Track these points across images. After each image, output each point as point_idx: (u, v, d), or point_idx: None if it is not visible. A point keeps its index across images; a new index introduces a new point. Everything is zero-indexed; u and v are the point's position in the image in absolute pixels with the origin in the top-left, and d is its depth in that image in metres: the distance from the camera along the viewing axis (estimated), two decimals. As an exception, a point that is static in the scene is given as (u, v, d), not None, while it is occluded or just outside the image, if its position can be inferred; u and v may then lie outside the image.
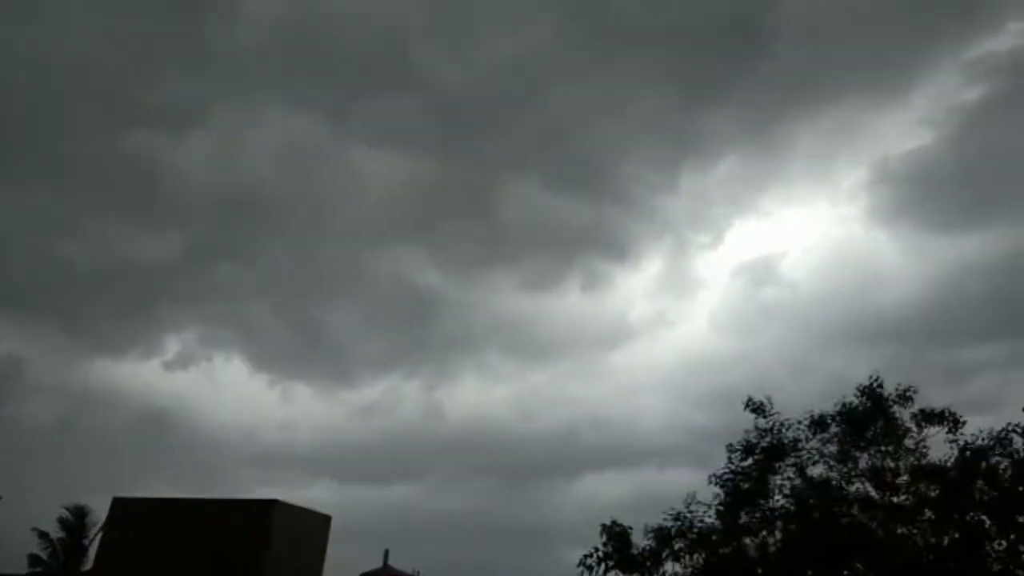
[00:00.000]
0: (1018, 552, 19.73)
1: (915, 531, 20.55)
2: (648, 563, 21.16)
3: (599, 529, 20.88)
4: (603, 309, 72.84)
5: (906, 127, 70.83)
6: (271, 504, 40.44)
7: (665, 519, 21.45)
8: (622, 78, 72.68)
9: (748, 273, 65.53)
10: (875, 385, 21.33)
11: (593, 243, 74.84)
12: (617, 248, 76.88)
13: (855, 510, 21.25)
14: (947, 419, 20.61)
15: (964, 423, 20.50)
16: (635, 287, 75.62)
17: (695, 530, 21.46)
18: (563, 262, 76.70)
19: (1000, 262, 53.56)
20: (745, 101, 70.93)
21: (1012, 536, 19.65)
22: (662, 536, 21.25)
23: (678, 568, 21.00)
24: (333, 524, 44.19)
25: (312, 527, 42.70)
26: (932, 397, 21.32)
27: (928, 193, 58.17)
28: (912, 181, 57.99)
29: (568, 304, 72.69)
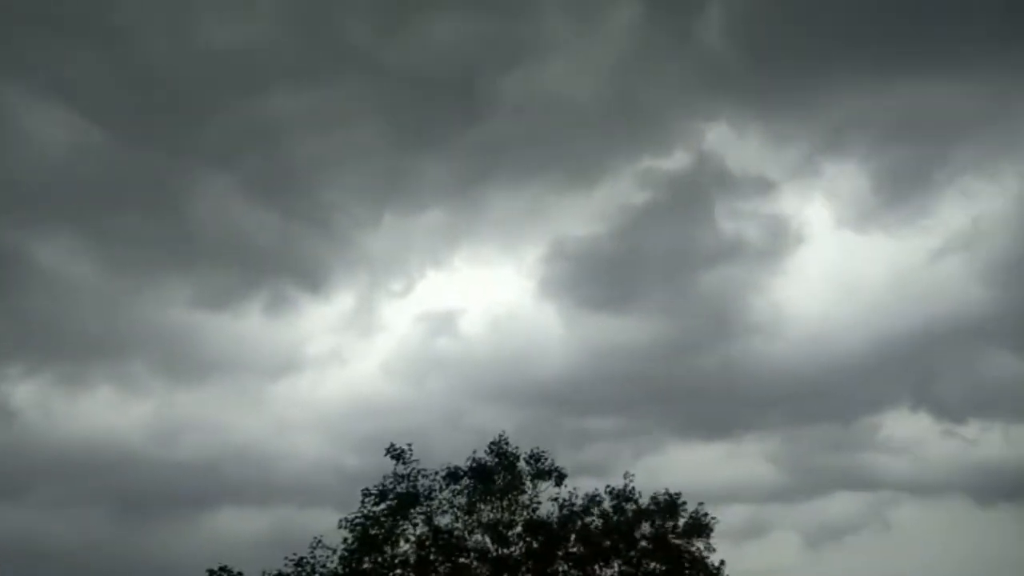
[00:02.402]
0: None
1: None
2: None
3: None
4: (280, 337, 69.32)
5: (585, 216, 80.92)
6: None
7: (286, 564, 20.63)
8: (346, 100, 71.54)
9: (429, 323, 68.00)
10: (502, 442, 23.05)
11: (286, 265, 71.18)
12: (310, 276, 74.16)
13: (473, 560, 22.57)
14: (554, 473, 22.95)
15: (566, 476, 22.99)
16: (319, 320, 73.46)
17: (316, 575, 20.93)
18: (249, 280, 71.74)
19: (631, 345, 62.89)
20: (457, 157, 74.79)
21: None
22: (279, 583, 20.42)
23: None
24: None
25: None
26: (559, 458, 23.73)
27: (591, 276, 66.57)
28: (581, 263, 65.98)
29: (243, 326, 67.81)
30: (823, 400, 60.27)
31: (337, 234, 72.45)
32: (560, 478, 22.91)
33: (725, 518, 23.89)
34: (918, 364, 58.88)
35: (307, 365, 69.43)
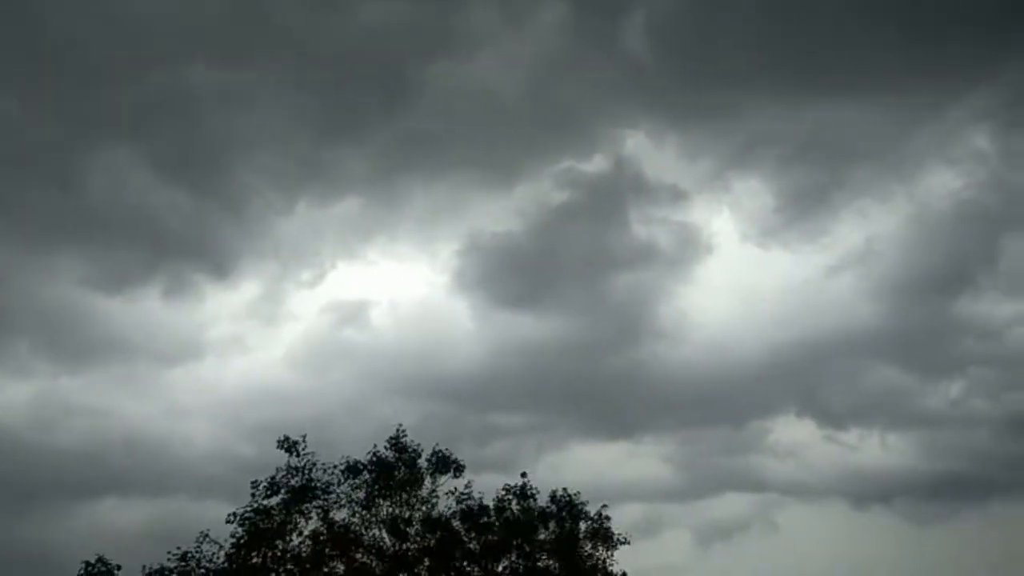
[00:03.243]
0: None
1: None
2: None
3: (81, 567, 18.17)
4: (179, 321, 65.93)
5: (503, 212, 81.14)
6: None
7: (169, 559, 19.64)
8: (266, 79, 68.41)
9: (337, 313, 66.43)
10: (400, 436, 22.75)
11: (191, 247, 67.58)
12: (216, 260, 70.90)
13: (370, 557, 22.14)
14: (452, 466, 22.80)
15: (463, 468, 22.83)
16: (223, 306, 70.33)
17: (201, 570, 20.02)
18: (149, 260, 67.72)
19: (540, 343, 63.47)
20: (377, 147, 73.12)
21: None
22: (160, 578, 19.43)
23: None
24: None
25: None
26: (464, 453, 23.58)
27: (505, 272, 66.69)
28: (495, 259, 65.99)
29: (140, 308, 64.08)
30: (718, 405, 62.74)
31: (248, 218, 69.71)
32: (459, 470, 22.74)
33: (622, 516, 24.44)
34: (806, 373, 62.19)
35: (206, 352, 66.57)
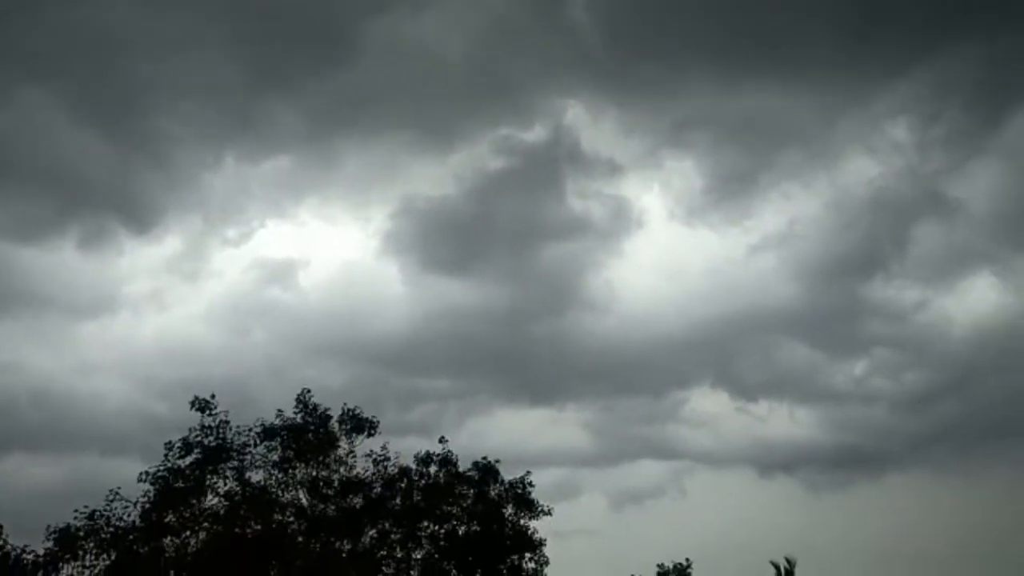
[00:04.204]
0: (414, 559, 22.85)
1: (335, 540, 22.20)
2: (41, 569, 18.74)
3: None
4: (95, 274, 62.86)
5: (439, 177, 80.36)
6: None
7: (76, 517, 19.18)
8: (198, 24, 64.47)
9: (263, 272, 64.71)
10: (307, 398, 22.46)
11: (111, 198, 64.10)
12: (137, 212, 67.57)
13: (288, 517, 22.11)
14: (367, 425, 22.66)
15: (377, 426, 22.70)
16: (143, 260, 67.37)
17: (111, 529, 19.65)
18: (64, 210, 64.04)
19: (469, 309, 63.59)
20: (312, 103, 70.46)
21: (410, 544, 22.65)
22: (67, 537, 18.97)
23: (76, 571, 18.91)
24: None
25: None
26: (388, 417, 23.55)
27: (437, 237, 66.10)
28: (428, 224, 65.26)
29: (54, 259, 60.76)
30: (639, 375, 64.67)
31: (172, 170, 66.61)
32: (372, 429, 22.65)
33: (541, 480, 24.94)
34: (723, 348, 64.60)
35: (122, 306, 63.99)
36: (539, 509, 23.50)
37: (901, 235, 63.67)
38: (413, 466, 22.97)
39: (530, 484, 23.60)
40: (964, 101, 64.96)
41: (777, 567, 30.31)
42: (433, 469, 23.34)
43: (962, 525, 47.38)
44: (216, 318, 61.21)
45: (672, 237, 71.48)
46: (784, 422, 60.87)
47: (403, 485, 22.66)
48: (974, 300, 62.82)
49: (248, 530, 20.85)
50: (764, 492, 57.16)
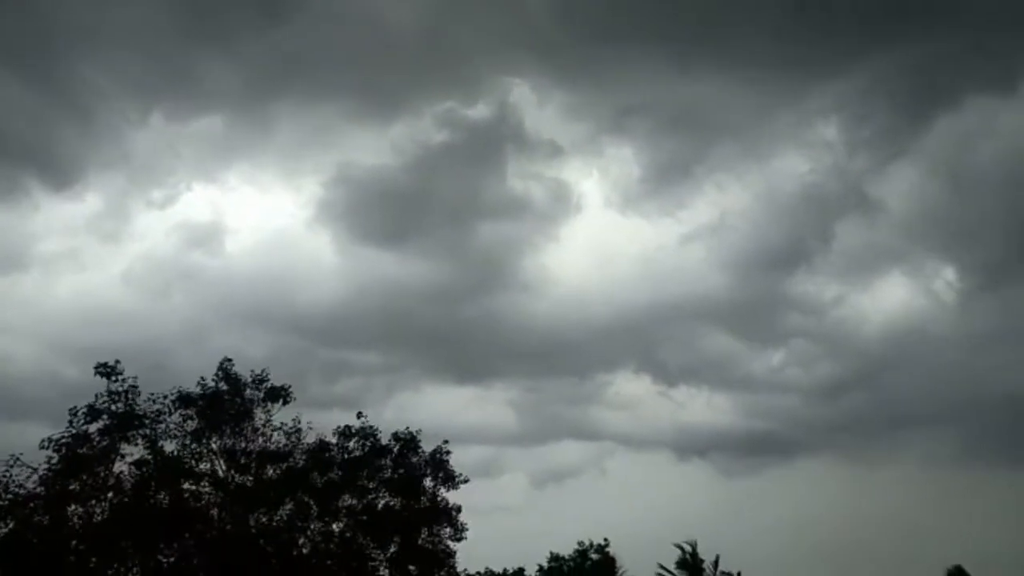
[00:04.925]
0: (331, 533, 22.57)
1: (251, 512, 21.71)
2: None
3: None
4: (6, 229, 59.45)
5: (376, 148, 78.76)
6: None
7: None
8: None
9: (187, 235, 62.46)
10: (228, 367, 21.88)
11: (26, 151, 60.35)
12: (55, 167, 64.01)
13: (203, 487, 21.49)
14: (281, 394, 22.16)
15: (291, 394, 22.21)
16: (59, 217, 64.08)
17: (9, 495, 18.69)
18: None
19: (401, 283, 62.98)
20: (249, 62, 67.57)
21: (327, 519, 22.36)
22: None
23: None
24: None
25: None
26: (313, 389, 22.98)
27: (372, 208, 65.01)
28: (364, 194, 64.09)
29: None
30: (567, 357, 65.81)
31: (95, 124, 63.31)
32: (287, 398, 22.17)
33: (466, 458, 25.07)
34: (649, 333, 66.46)
35: (34, 265, 60.79)
36: (456, 478, 23.42)
37: (825, 231, 66.54)
38: (333, 440, 22.60)
39: (447, 452, 23.45)
40: (892, 104, 67.76)
41: (682, 548, 32.01)
42: (353, 443, 22.99)
43: (865, 509, 50.20)
44: (135, 281, 58.97)
45: (608, 223, 72.73)
46: (702, 408, 63.11)
47: (325, 457, 22.24)
48: (886, 298, 66.18)
49: (159, 500, 20.16)
50: (679, 474, 59.27)
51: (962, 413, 57.24)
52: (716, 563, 32.09)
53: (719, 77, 68.39)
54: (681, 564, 32.43)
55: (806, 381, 62.61)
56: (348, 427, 22.76)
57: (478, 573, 23.79)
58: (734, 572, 34.85)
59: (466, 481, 23.64)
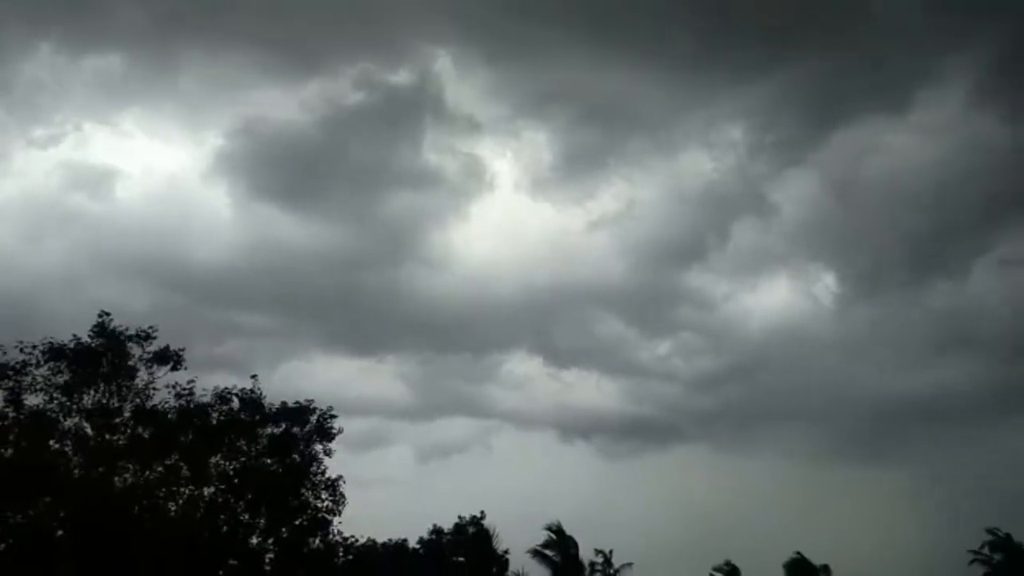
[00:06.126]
0: (202, 496, 21.99)
1: (117, 474, 20.87)
2: None
3: None
4: None
5: (289, 103, 75.60)
6: None
7: None
8: None
9: (70, 176, 58.35)
10: (108, 322, 20.98)
11: None
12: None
13: (66, 445, 20.48)
14: (172, 358, 21.41)
15: (183, 360, 21.47)
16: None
17: None
18: None
19: (300, 246, 61.09)
20: (157, 2, 62.89)
21: (197, 482, 21.78)
22: None
23: None
24: None
25: None
26: (196, 348, 22.20)
27: (276, 165, 62.51)
28: (269, 150, 61.36)
29: None
30: (464, 334, 66.38)
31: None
32: (178, 362, 21.49)
33: (353, 429, 24.87)
34: (546, 315, 67.84)
35: None
36: (332, 432, 23.22)
37: (723, 230, 69.44)
38: (212, 403, 21.95)
39: (332, 416, 23.26)
40: (796, 114, 71.14)
41: (550, 529, 33.97)
42: (235, 406, 22.42)
43: (727, 496, 53.41)
44: (7, 220, 54.69)
45: (517, 205, 73.22)
46: (590, 391, 65.15)
47: (197, 420, 21.52)
48: (771, 299, 70.10)
49: (17, 456, 19.10)
50: (563, 455, 61.06)
51: (828, 412, 61.60)
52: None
53: (639, 73, 69.92)
54: (549, 544, 34.40)
55: (688, 372, 65.69)
56: (227, 389, 22.17)
57: (354, 538, 23.61)
58: (606, 551, 36.71)
59: (340, 431, 23.37)
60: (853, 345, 64.73)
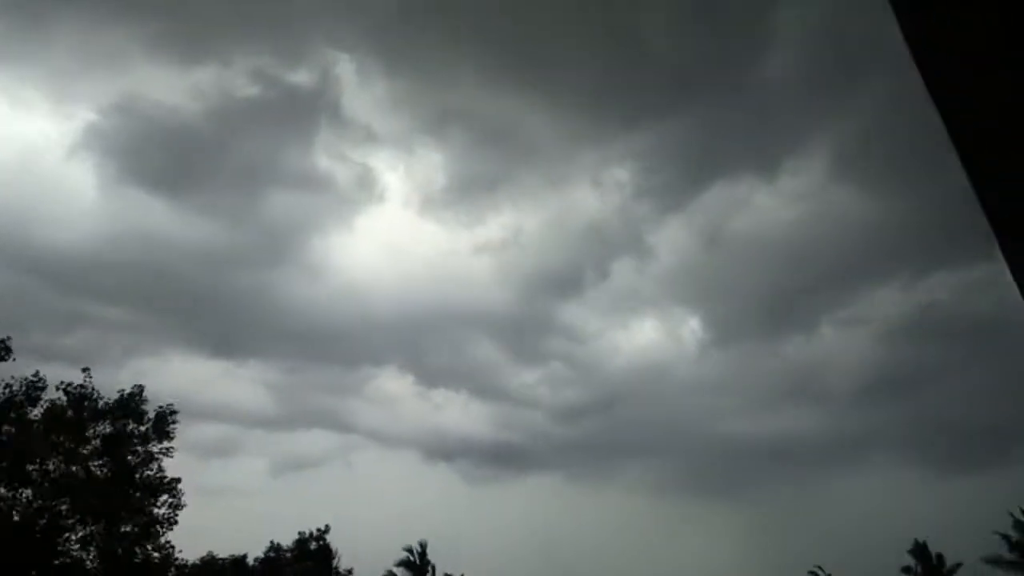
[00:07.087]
0: (18, 500, 20.11)
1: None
2: None
3: None
4: None
5: (175, 87, 69.96)
6: None
7: None
8: None
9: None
10: None
11: None
12: None
13: None
14: None
15: (10, 351, 19.93)
16: None
17: None
18: None
19: (169, 238, 57.14)
20: None
21: (16, 483, 19.96)
22: None
23: None
24: None
25: None
26: (38, 336, 20.28)
27: (154, 149, 57.84)
28: (148, 131, 56.81)
29: None
30: (335, 345, 64.53)
31: None
32: (3, 353, 19.86)
33: (202, 435, 23.56)
34: (421, 334, 67.27)
35: None
36: (171, 431, 22.15)
37: (602, 266, 71.59)
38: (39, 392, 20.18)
39: (172, 412, 22.16)
40: (681, 161, 74.55)
41: (410, 551, 33.13)
42: (63, 401, 20.73)
43: (581, 523, 54.76)
44: None
45: (404, 221, 72.45)
46: (458, 413, 64.97)
47: (13, 415, 19.74)
48: (638, 338, 72.94)
49: None
50: (424, 476, 60.39)
51: (679, 449, 64.55)
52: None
53: (539, 106, 70.93)
54: (405, 564, 33.51)
55: (553, 401, 66.92)
56: (43, 380, 20.48)
57: (183, 560, 22.33)
58: (456, 574, 36.61)
59: (175, 423, 22.26)
60: (710, 387, 68.32)
